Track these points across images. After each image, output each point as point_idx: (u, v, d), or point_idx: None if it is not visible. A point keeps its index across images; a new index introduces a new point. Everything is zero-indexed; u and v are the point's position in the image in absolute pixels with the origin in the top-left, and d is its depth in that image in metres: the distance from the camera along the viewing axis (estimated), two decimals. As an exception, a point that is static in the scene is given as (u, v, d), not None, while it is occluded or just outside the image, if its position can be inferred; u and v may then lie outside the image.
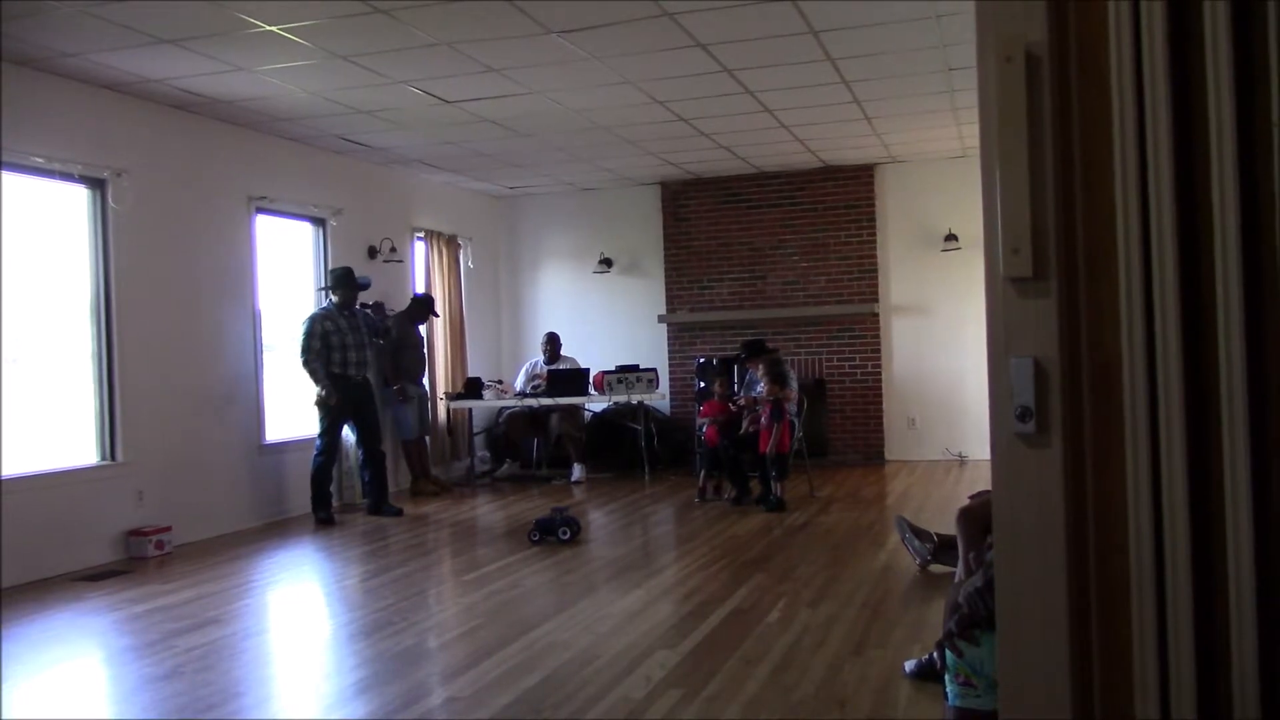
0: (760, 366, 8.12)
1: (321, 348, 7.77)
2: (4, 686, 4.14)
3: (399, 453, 9.12)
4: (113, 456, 6.66)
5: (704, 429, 8.49)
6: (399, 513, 8.02)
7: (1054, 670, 1.37)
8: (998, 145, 1.36)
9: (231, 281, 7.64)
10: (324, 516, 7.78)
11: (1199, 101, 1.30)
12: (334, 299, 8.01)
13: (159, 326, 6.96)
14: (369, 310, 8.29)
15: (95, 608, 5.42)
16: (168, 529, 6.74)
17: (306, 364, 7.76)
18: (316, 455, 7.85)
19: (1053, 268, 1.36)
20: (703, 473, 8.47)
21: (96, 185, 6.61)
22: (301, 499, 8.02)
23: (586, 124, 8.07)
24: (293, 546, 7.08)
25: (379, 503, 8.05)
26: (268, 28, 5.53)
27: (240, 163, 7.74)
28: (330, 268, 8.39)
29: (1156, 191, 1.30)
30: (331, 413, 7.84)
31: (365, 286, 8.17)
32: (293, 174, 8.30)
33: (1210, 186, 1.28)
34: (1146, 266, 1.31)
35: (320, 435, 7.85)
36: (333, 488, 8.17)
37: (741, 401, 8.28)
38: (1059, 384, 1.37)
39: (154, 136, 6.98)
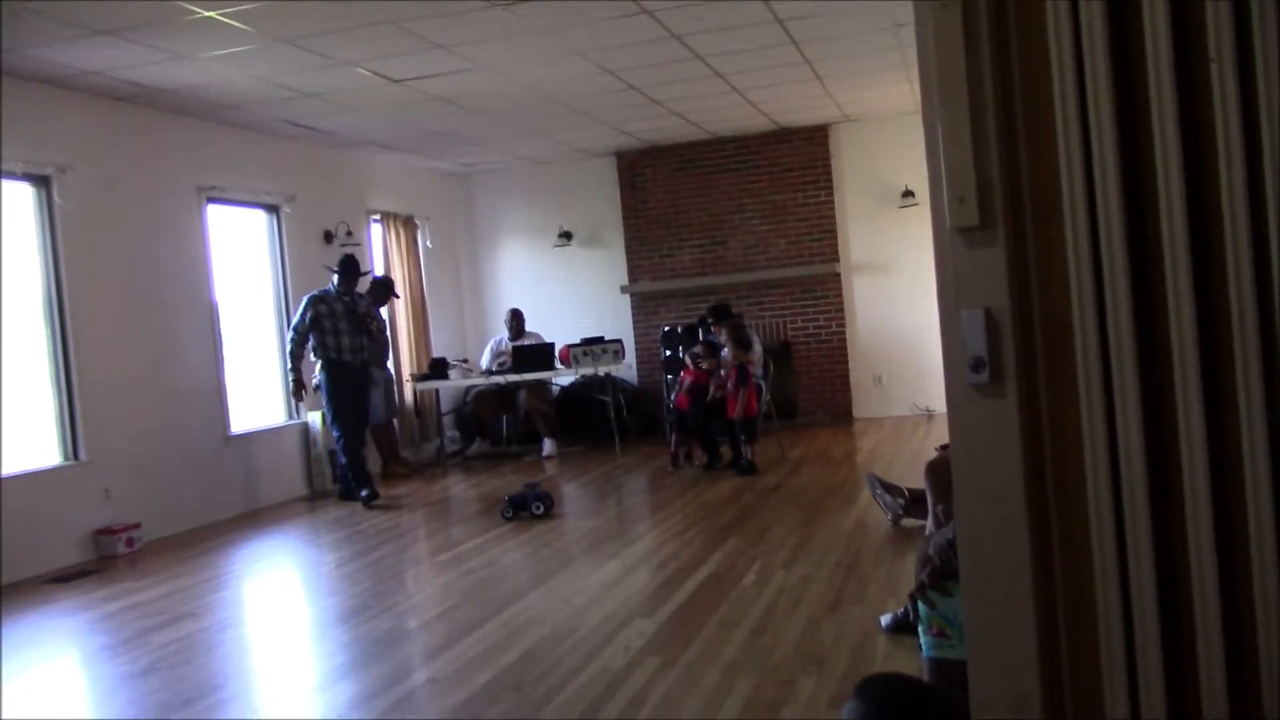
0: (723, 332, 8.14)
1: (314, 331, 7.76)
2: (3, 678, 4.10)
3: (367, 437, 9.06)
4: (75, 456, 6.57)
5: (674, 396, 8.50)
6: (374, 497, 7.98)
7: (1019, 617, 1.39)
8: (938, 94, 1.36)
9: (186, 274, 7.54)
10: (368, 495, 7.70)
11: (1136, 40, 1.30)
12: (335, 284, 7.96)
13: (114, 322, 6.85)
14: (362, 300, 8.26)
15: (67, 609, 5.36)
16: (137, 525, 6.67)
17: (292, 344, 7.78)
18: (337, 441, 7.85)
19: (999, 216, 1.36)
20: (674, 438, 8.48)
21: (41, 182, 6.48)
22: (271, 488, 8.00)
23: (537, 97, 8.00)
24: (265, 537, 7.03)
25: (351, 489, 8.00)
26: (205, 13, 5.42)
27: (188, 153, 7.61)
28: (343, 257, 8.26)
29: (1099, 134, 1.30)
30: (332, 399, 7.80)
31: (364, 274, 8.30)
32: (243, 162, 8.17)
33: (1151, 127, 1.29)
34: (1092, 211, 1.31)
35: (333, 423, 7.84)
36: (302, 474, 8.12)
37: (705, 366, 8.28)
38: (1011, 333, 1.37)
39: (97, 130, 6.84)
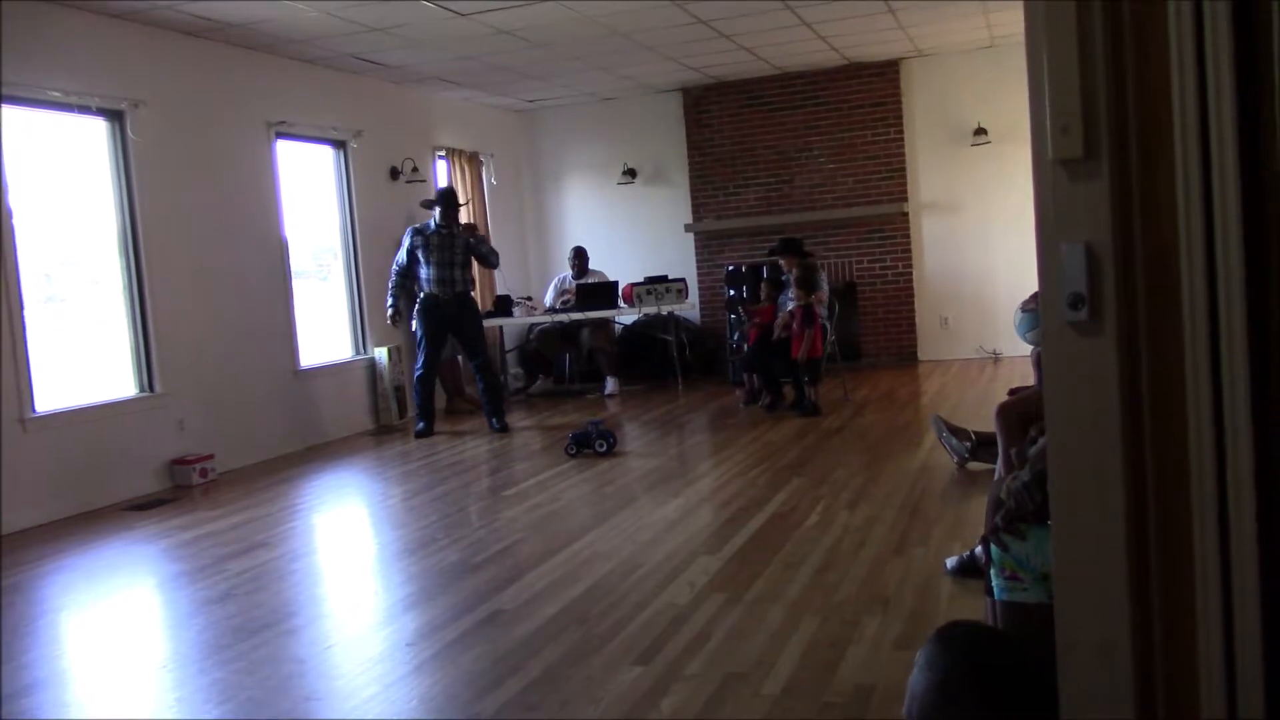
0: (793, 270, 8.05)
1: (408, 264, 8.03)
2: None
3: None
4: (151, 388, 6.72)
5: (739, 335, 8.44)
6: (504, 429, 8.05)
7: (1110, 561, 1.35)
8: (1044, 16, 1.30)
9: (256, 208, 7.62)
10: (421, 429, 7.97)
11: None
12: (437, 218, 8.06)
13: (187, 256, 6.96)
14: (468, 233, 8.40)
15: (145, 536, 5.52)
16: (210, 457, 6.83)
17: (393, 276, 8.17)
18: (415, 370, 8.14)
19: (1104, 147, 1.30)
20: (749, 376, 8.42)
21: (115, 117, 6.56)
22: (338, 422, 8.16)
23: (603, 30, 7.90)
24: (333, 470, 7.16)
25: (493, 414, 8.11)
26: (275, -55, 5.41)
27: (258, 88, 7.66)
28: (441, 188, 8.53)
29: (1214, 60, 1.23)
30: (424, 328, 8.02)
31: (463, 205, 8.56)
32: (311, 98, 8.20)
33: (1271, 53, 1.22)
34: (1204, 142, 1.25)
35: (418, 351, 8.14)
36: (368, 409, 8.26)
37: (763, 300, 8.25)
38: (1112, 269, 1.32)
39: (169, 65, 6.90)
